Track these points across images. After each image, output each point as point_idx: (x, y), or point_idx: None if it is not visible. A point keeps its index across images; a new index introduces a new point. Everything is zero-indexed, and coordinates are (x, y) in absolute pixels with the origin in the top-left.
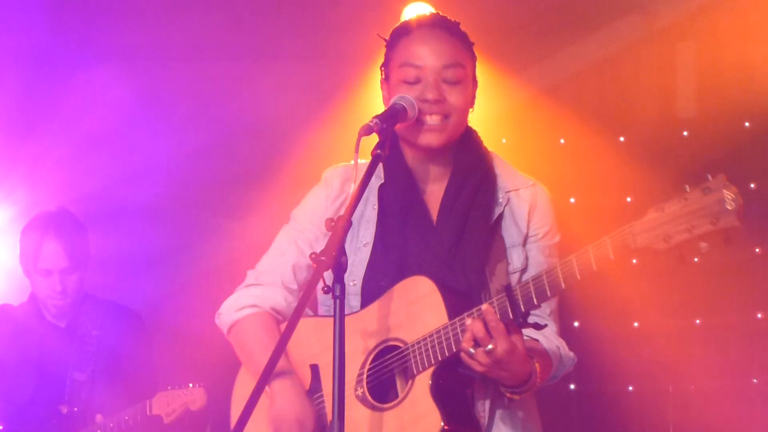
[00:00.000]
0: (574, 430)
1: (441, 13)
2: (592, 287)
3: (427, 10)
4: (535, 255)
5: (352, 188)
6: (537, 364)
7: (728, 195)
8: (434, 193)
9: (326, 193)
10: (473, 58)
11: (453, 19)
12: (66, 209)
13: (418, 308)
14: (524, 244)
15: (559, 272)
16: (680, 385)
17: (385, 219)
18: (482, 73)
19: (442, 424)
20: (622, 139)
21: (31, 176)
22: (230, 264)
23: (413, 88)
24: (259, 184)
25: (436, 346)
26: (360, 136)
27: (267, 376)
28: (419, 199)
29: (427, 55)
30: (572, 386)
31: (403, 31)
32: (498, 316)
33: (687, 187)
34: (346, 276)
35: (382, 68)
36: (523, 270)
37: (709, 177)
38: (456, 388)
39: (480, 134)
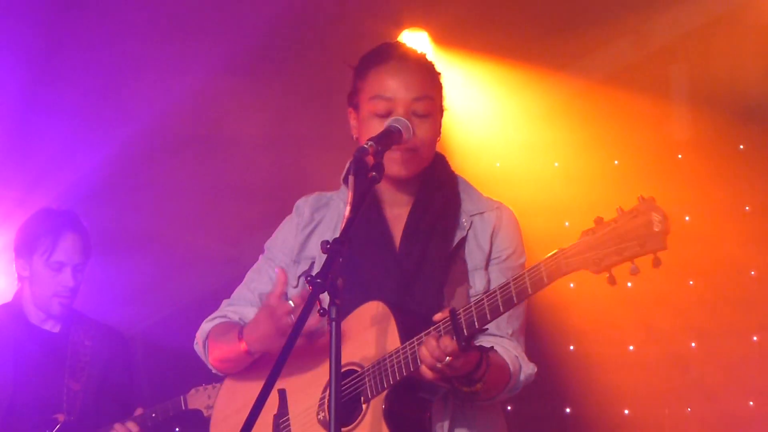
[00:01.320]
0: None
1: (410, 47)
2: (588, 311)
3: (421, 37)
4: (496, 277)
5: (347, 211)
6: (488, 364)
7: (656, 217)
8: (400, 218)
9: (297, 221)
10: (441, 88)
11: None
12: (71, 209)
13: (373, 333)
14: (486, 267)
15: (499, 296)
16: (676, 409)
17: (351, 246)
18: (481, 97)
19: None
20: (616, 162)
21: (25, 203)
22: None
23: (383, 121)
24: (255, 209)
25: (389, 370)
26: (356, 157)
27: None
28: (383, 225)
29: (397, 88)
30: (568, 410)
31: (373, 61)
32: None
33: (619, 210)
34: None
35: (350, 97)
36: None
37: (641, 199)
38: (412, 412)
39: (474, 156)
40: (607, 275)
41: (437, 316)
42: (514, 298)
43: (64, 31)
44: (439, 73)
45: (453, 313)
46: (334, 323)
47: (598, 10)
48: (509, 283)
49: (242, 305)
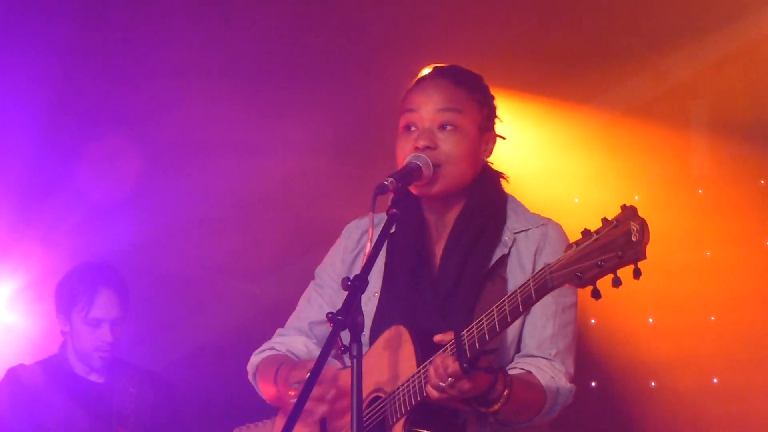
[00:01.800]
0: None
1: (457, 66)
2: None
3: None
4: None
5: (368, 248)
6: (507, 380)
7: (634, 226)
8: (443, 238)
9: (345, 245)
10: (481, 107)
11: (473, 71)
12: (110, 263)
13: (396, 358)
14: None
15: (495, 315)
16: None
17: (392, 269)
18: (502, 130)
19: None
20: (636, 197)
21: (43, 244)
22: (247, 326)
23: (410, 134)
24: (276, 247)
25: (405, 395)
26: (375, 194)
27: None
28: (426, 248)
29: (422, 101)
30: (593, 384)
31: (414, 82)
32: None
33: (603, 220)
34: None
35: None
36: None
37: (623, 209)
38: None
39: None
40: (592, 289)
41: (439, 337)
42: (508, 317)
43: (82, 69)
44: (482, 91)
45: (457, 335)
46: (355, 360)
47: (617, 46)
48: (504, 302)
49: (292, 335)
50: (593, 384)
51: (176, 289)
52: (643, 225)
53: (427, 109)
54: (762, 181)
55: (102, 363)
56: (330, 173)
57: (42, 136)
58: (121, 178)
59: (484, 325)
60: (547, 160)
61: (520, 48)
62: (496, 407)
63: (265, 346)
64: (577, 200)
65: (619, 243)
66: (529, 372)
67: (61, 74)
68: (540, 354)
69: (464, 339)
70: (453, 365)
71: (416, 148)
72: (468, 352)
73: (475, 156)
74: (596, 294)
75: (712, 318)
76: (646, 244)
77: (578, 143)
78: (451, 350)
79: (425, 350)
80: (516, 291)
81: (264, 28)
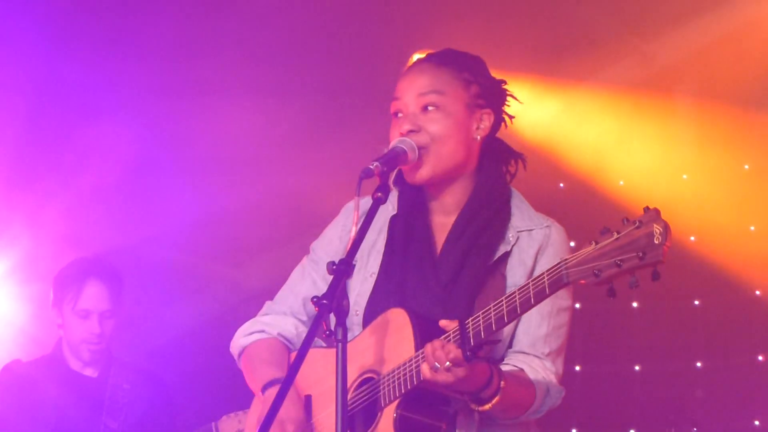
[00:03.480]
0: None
1: (449, 49)
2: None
3: None
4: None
5: (353, 231)
6: (502, 378)
7: (657, 229)
8: (445, 225)
9: (343, 223)
10: (468, 84)
11: (466, 53)
12: (104, 256)
13: (392, 340)
14: None
15: (504, 306)
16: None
17: (392, 250)
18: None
19: None
20: (621, 182)
21: (32, 226)
22: (232, 311)
23: (397, 122)
24: (259, 233)
25: (401, 378)
26: (360, 179)
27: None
28: (426, 232)
29: (405, 87)
30: (574, 431)
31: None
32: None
33: (624, 220)
34: (351, 304)
35: None
36: None
37: (645, 210)
38: (424, 422)
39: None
40: (608, 287)
41: (445, 323)
42: (518, 308)
43: (70, 54)
44: (468, 69)
45: (461, 323)
46: (340, 344)
47: (602, 31)
48: (514, 293)
49: (281, 312)
50: (577, 368)
51: (159, 276)
52: (666, 228)
53: (410, 94)
54: (746, 166)
55: (91, 356)
56: (315, 159)
57: (30, 120)
58: (112, 162)
59: (492, 315)
60: (530, 147)
61: (504, 33)
62: (487, 407)
63: (253, 326)
64: (562, 185)
65: (640, 244)
66: (522, 370)
67: (47, 58)
68: (532, 352)
69: (469, 327)
70: (455, 351)
71: (401, 134)
72: (472, 341)
73: (466, 135)
74: (612, 293)
75: (696, 303)
76: (669, 247)
77: (563, 129)
78: (454, 338)
79: (424, 335)
80: (528, 284)
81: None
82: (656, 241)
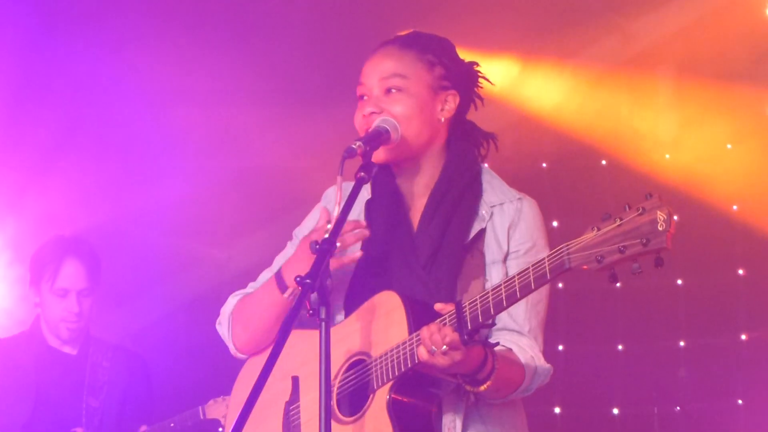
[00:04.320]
0: None
1: (415, 31)
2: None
3: None
4: (515, 272)
5: (336, 211)
6: (495, 359)
7: (661, 216)
8: (419, 207)
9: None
10: (432, 66)
11: (432, 35)
12: (82, 235)
13: (384, 323)
14: (505, 260)
15: (503, 291)
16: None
17: (370, 235)
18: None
19: None
20: (604, 162)
21: (15, 208)
22: (215, 292)
23: (361, 104)
24: (242, 213)
25: (395, 361)
26: (343, 158)
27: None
28: (403, 215)
29: (368, 71)
30: (557, 410)
31: None
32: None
33: (627, 206)
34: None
35: None
36: None
37: (648, 197)
38: (416, 404)
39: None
40: (610, 273)
41: (440, 306)
42: (518, 293)
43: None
44: (432, 51)
45: (458, 306)
46: (323, 324)
47: (583, 10)
48: (513, 278)
49: None
50: (560, 348)
51: (142, 257)
52: (670, 215)
53: (373, 78)
54: (729, 145)
55: (70, 334)
56: (299, 138)
57: (8, 100)
58: (87, 145)
59: (490, 299)
60: (513, 126)
61: (484, 11)
62: (483, 388)
63: (237, 292)
64: (544, 165)
65: (643, 230)
66: (510, 350)
67: (29, 37)
68: (516, 329)
69: (466, 311)
70: (452, 335)
71: (363, 116)
72: (469, 324)
73: (430, 116)
74: (614, 279)
75: (679, 282)
76: (672, 234)
77: (546, 109)
78: (450, 321)
79: (417, 318)
80: (528, 268)
81: None
82: (660, 228)
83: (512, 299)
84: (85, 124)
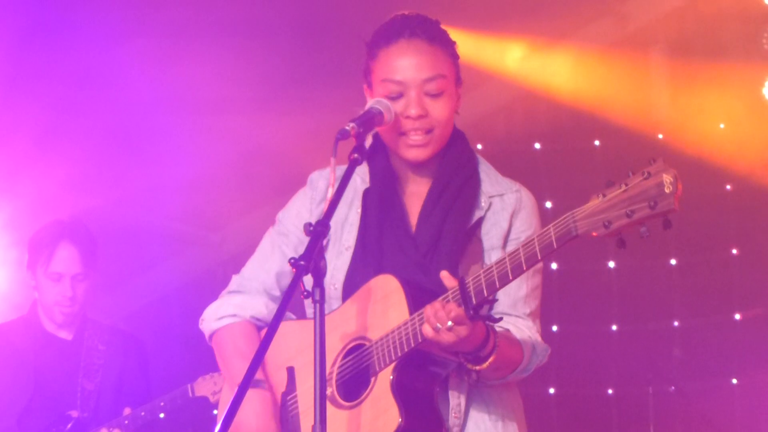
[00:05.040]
0: None
1: (421, 17)
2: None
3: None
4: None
5: (330, 193)
6: (496, 336)
7: (667, 178)
8: (418, 197)
9: (311, 195)
10: (454, 60)
11: (432, 19)
12: (79, 219)
13: (382, 306)
14: (504, 246)
15: (508, 263)
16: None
17: (367, 223)
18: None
19: (400, 420)
20: (597, 143)
21: (10, 191)
22: (209, 274)
23: (397, 103)
24: (235, 195)
25: (397, 342)
26: (337, 140)
27: (246, 384)
28: (400, 204)
29: (407, 69)
30: (552, 390)
31: (384, 40)
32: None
33: (630, 172)
34: (327, 279)
35: (364, 74)
36: None
37: (651, 162)
38: (420, 385)
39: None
40: (617, 239)
41: (445, 274)
42: (524, 264)
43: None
44: (452, 44)
45: (462, 282)
46: (317, 305)
47: None
48: (518, 249)
49: (253, 291)
50: (554, 328)
51: (137, 240)
52: (676, 177)
53: (413, 78)
54: (722, 125)
55: (64, 318)
56: (292, 120)
57: (5, 83)
58: (82, 129)
59: (494, 272)
60: (507, 107)
61: None
62: (484, 366)
63: (224, 308)
64: (538, 146)
65: (651, 194)
66: (508, 330)
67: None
68: (514, 313)
69: (470, 285)
70: (456, 310)
71: (409, 117)
72: (474, 299)
73: (454, 112)
74: (621, 243)
75: (673, 262)
76: (679, 196)
77: (539, 89)
78: (453, 297)
79: (417, 299)
80: (533, 239)
81: None
82: (667, 190)
83: (518, 271)
84: (81, 108)
